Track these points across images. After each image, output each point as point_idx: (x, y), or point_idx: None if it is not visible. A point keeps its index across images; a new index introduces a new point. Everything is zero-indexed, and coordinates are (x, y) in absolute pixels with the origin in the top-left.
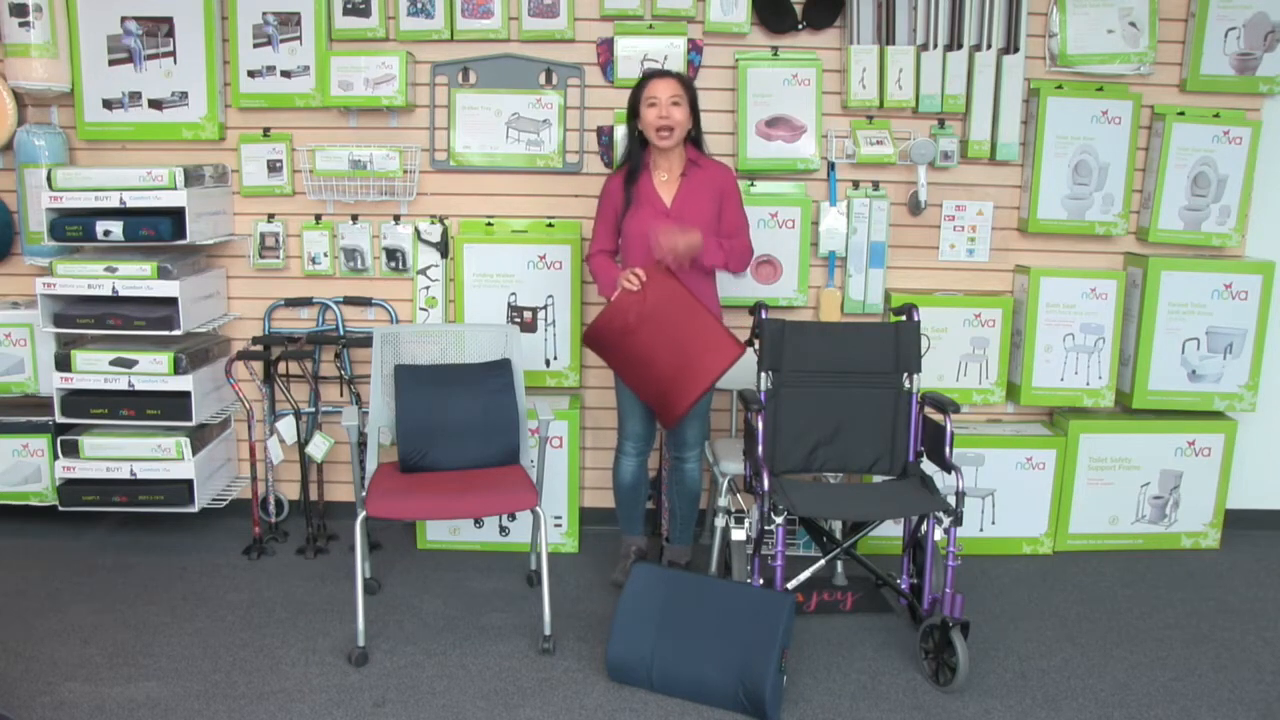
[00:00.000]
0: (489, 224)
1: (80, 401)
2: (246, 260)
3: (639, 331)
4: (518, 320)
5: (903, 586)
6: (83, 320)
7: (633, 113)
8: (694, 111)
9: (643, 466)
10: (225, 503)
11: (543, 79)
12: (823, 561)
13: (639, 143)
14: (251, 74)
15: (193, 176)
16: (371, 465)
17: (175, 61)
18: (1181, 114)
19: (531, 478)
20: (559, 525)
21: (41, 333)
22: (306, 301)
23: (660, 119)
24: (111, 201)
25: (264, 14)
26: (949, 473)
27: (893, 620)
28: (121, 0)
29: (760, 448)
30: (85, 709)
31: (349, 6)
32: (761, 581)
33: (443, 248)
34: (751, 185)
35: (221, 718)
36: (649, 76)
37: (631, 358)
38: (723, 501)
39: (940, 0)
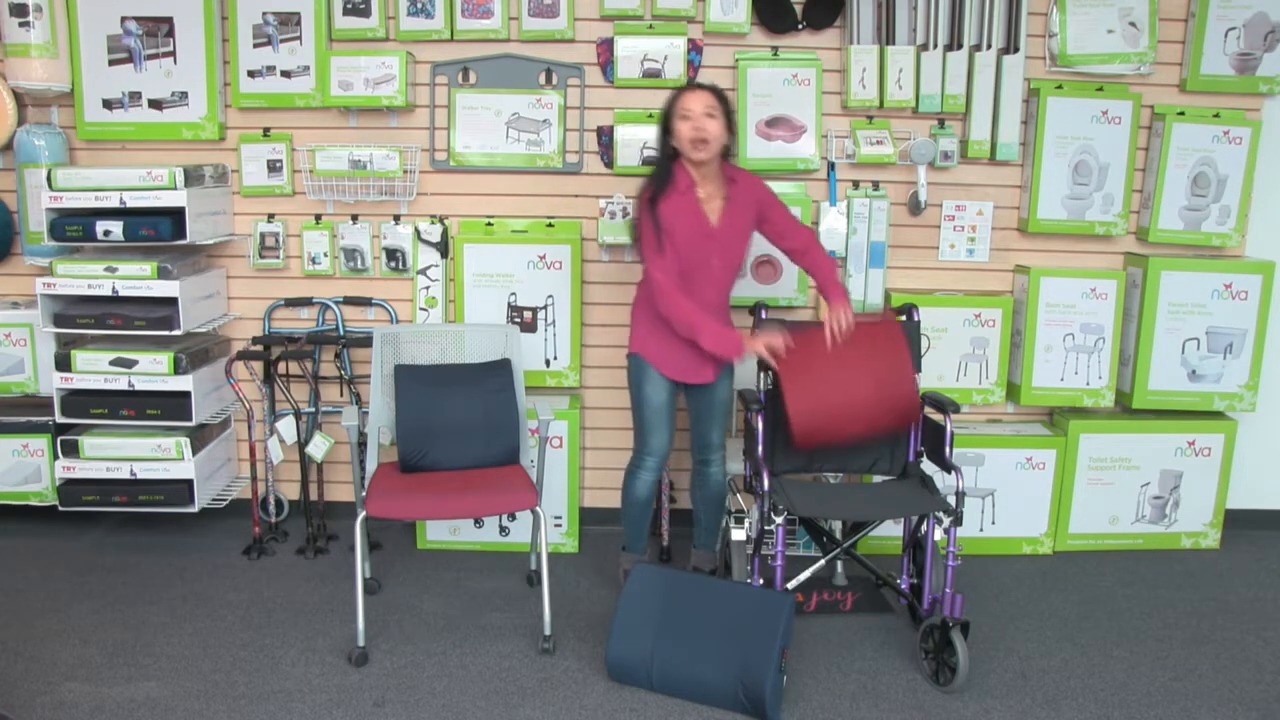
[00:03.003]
0: (489, 224)
1: (80, 401)
2: (246, 260)
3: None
4: (518, 320)
5: (903, 586)
6: (83, 320)
7: (666, 129)
8: (729, 124)
9: (658, 482)
10: (225, 503)
11: (543, 79)
12: (823, 561)
13: (670, 159)
14: (251, 74)
15: (193, 176)
16: (371, 465)
17: (175, 61)
18: (1181, 114)
19: (531, 478)
20: (559, 525)
21: (41, 333)
22: (306, 301)
23: (695, 131)
24: (111, 201)
25: (264, 14)
26: (949, 473)
27: (893, 620)
28: (121, 0)
29: (760, 448)
30: (85, 709)
31: (349, 6)
32: (761, 581)
33: (443, 248)
34: None
35: (221, 718)
36: (681, 90)
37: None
38: None
39: (940, 0)
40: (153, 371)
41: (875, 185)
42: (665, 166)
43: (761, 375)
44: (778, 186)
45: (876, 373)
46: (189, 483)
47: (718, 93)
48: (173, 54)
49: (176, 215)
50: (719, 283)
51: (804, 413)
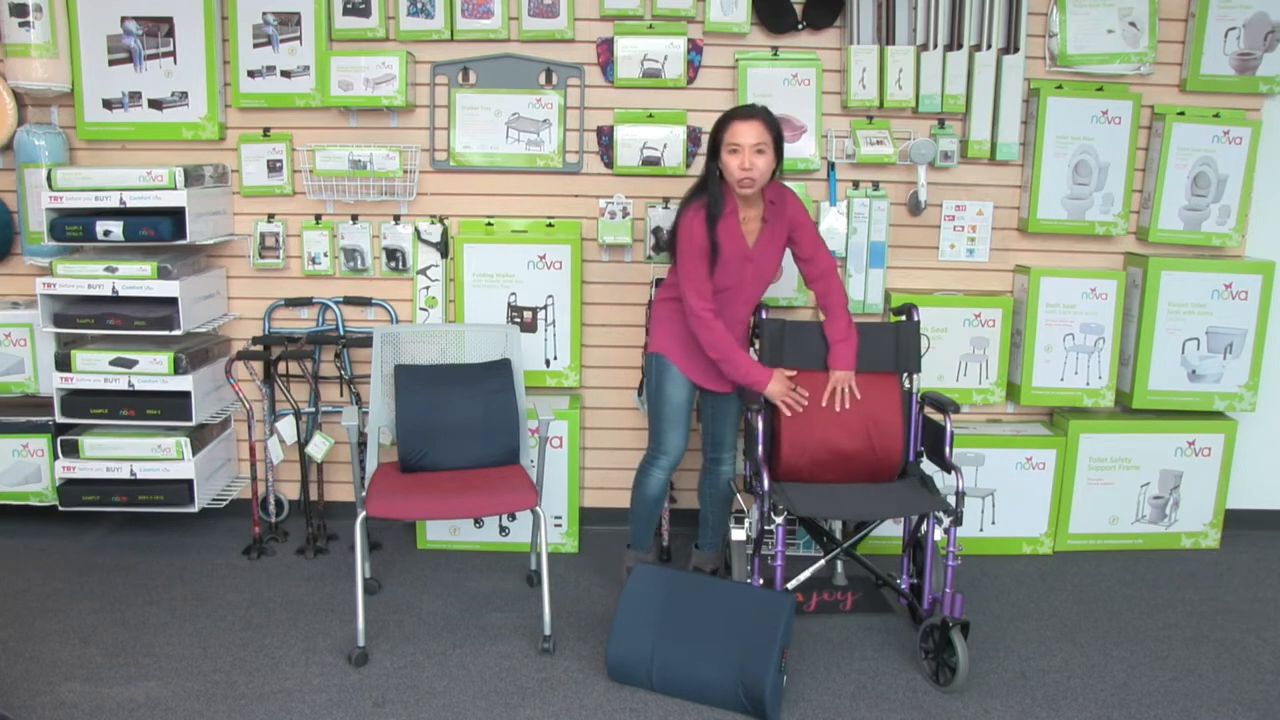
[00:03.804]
0: (489, 224)
1: (80, 401)
2: (246, 260)
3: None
4: (518, 320)
5: (903, 586)
6: (83, 320)
7: (713, 151)
8: (778, 151)
9: (669, 481)
10: (225, 503)
11: (543, 79)
12: (823, 561)
13: (720, 180)
14: (251, 74)
15: (193, 176)
16: (371, 465)
17: (175, 61)
18: (1181, 114)
19: (531, 478)
20: (559, 525)
21: (41, 333)
22: (306, 301)
23: (743, 170)
24: (111, 201)
25: (264, 14)
26: (949, 473)
27: (893, 620)
28: (121, 0)
29: (760, 448)
30: (85, 709)
31: (349, 6)
32: (761, 581)
33: (443, 248)
34: None
35: (221, 718)
36: (733, 116)
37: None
38: None
39: (940, 0)
40: (153, 371)
41: (875, 185)
42: (719, 189)
43: None
44: None
45: (869, 429)
46: (189, 483)
47: (769, 121)
48: (173, 54)
49: (176, 215)
50: (748, 298)
51: (795, 455)
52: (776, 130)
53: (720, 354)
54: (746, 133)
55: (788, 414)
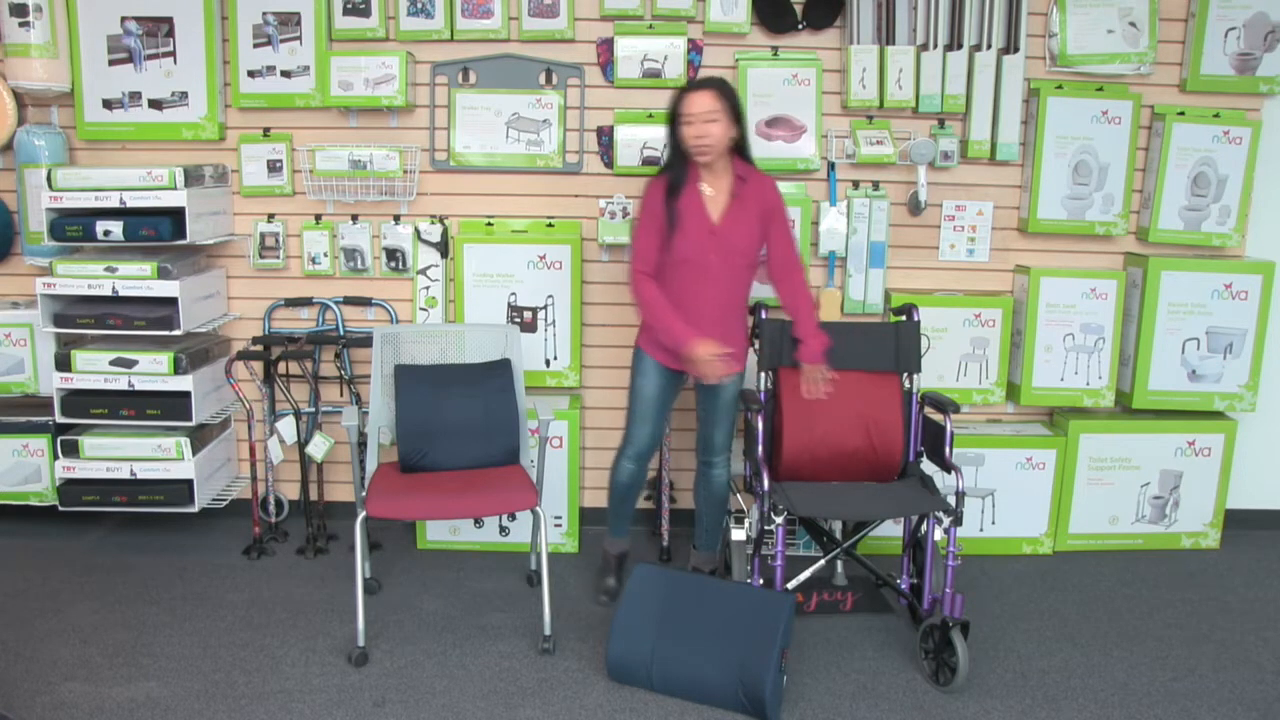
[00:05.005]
0: (489, 224)
1: (80, 401)
2: (246, 260)
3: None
4: (518, 320)
5: (903, 586)
6: (83, 320)
7: (673, 125)
8: (737, 120)
9: (643, 470)
10: (225, 503)
11: (543, 79)
12: (823, 561)
13: (682, 154)
14: (251, 74)
15: (193, 176)
16: (371, 465)
17: (175, 61)
18: (1181, 114)
19: (531, 478)
20: (559, 525)
21: (41, 333)
22: (306, 301)
23: (695, 139)
24: (111, 201)
25: (264, 14)
26: (949, 473)
27: (893, 620)
28: (121, 0)
29: (760, 448)
30: (85, 709)
31: (349, 6)
32: (761, 581)
33: (443, 248)
34: None
35: (221, 718)
36: (685, 90)
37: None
38: None
39: (940, 0)
40: (153, 371)
41: (875, 185)
42: (679, 161)
43: (762, 375)
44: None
45: (869, 429)
46: (189, 483)
47: (721, 90)
48: (173, 54)
49: (176, 215)
50: (718, 281)
51: (795, 455)
52: (731, 99)
53: (651, 314)
54: (697, 103)
55: (705, 381)
